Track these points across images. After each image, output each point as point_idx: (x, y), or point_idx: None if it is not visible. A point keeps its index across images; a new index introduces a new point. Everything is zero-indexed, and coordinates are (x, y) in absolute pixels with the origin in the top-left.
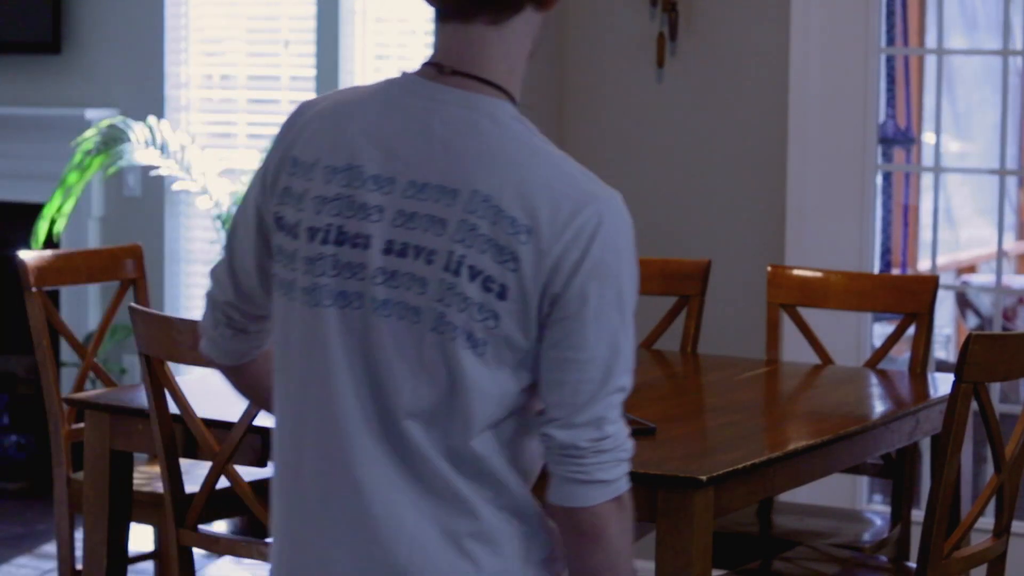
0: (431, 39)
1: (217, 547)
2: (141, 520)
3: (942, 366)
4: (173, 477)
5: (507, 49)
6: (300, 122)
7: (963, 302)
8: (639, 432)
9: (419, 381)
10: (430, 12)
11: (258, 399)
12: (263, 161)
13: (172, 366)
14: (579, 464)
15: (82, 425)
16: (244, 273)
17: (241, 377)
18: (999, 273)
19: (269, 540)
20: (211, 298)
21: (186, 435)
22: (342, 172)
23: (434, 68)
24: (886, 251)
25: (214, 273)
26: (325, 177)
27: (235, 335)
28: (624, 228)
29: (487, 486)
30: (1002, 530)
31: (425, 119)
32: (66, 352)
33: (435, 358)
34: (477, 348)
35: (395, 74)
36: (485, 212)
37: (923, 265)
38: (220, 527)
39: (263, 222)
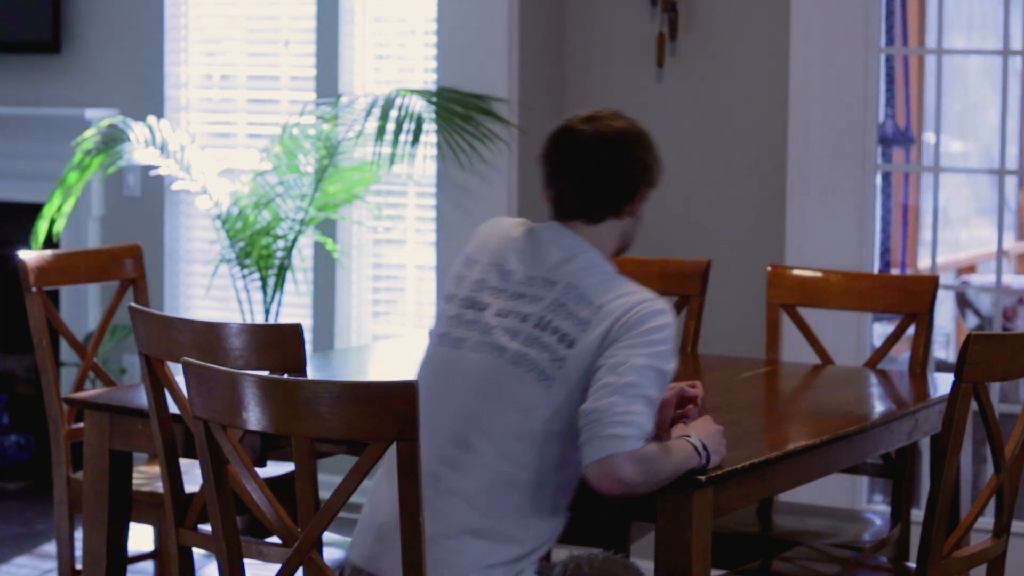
0: (430, 39)
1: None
2: (141, 520)
3: (942, 366)
4: (173, 477)
5: (600, 239)
6: (476, 238)
7: (963, 302)
8: None
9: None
10: (430, 13)
11: None
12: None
13: (172, 366)
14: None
15: (82, 425)
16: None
17: None
18: (999, 273)
19: (269, 540)
20: None
21: (186, 435)
22: (490, 267)
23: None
24: (886, 251)
25: None
26: (481, 269)
27: None
28: (657, 314)
29: None
30: (1002, 530)
31: (548, 242)
32: (66, 352)
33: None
34: (545, 381)
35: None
36: (573, 296)
37: (923, 265)
38: None
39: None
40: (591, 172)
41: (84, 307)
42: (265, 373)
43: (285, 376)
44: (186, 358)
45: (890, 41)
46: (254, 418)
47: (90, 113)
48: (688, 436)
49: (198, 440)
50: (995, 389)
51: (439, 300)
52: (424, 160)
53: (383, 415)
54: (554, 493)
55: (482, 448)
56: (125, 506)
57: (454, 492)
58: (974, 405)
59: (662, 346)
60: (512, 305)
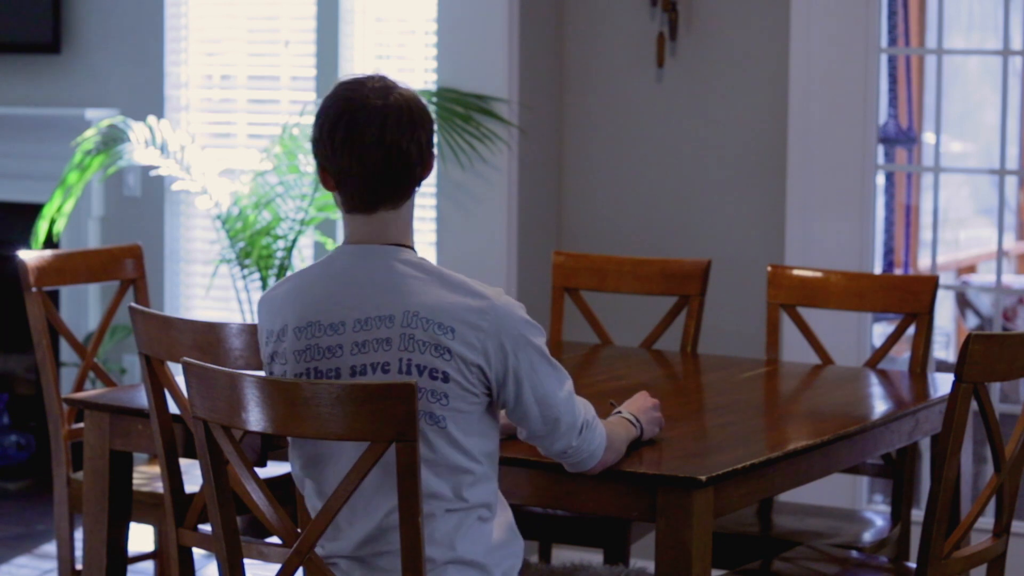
0: (430, 39)
1: None
2: (141, 520)
3: (942, 366)
4: (173, 477)
5: (402, 221)
6: (262, 310)
7: (963, 302)
8: None
9: None
10: (430, 13)
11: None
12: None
13: (172, 366)
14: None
15: (82, 425)
16: None
17: None
18: (999, 273)
19: (269, 540)
20: None
21: (186, 435)
22: (305, 329)
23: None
24: (889, 251)
25: None
26: (295, 335)
27: None
28: (518, 318)
29: None
30: (1002, 530)
31: (353, 273)
32: (66, 352)
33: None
34: (439, 423)
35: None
36: (418, 324)
37: (923, 265)
38: None
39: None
40: (397, 146)
41: (84, 307)
42: (264, 373)
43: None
44: (186, 358)
45: (891, 41)
46: (254, 418)
47: (90, 113)
48: (619, 412)
49: (198, 440)
50: (995, 389)
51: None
52: None
53: (381, 416)
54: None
55: (401, 531)
56: (125, 506)
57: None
58: (974, 405)
59: (539, 337)
60: (362, 359)
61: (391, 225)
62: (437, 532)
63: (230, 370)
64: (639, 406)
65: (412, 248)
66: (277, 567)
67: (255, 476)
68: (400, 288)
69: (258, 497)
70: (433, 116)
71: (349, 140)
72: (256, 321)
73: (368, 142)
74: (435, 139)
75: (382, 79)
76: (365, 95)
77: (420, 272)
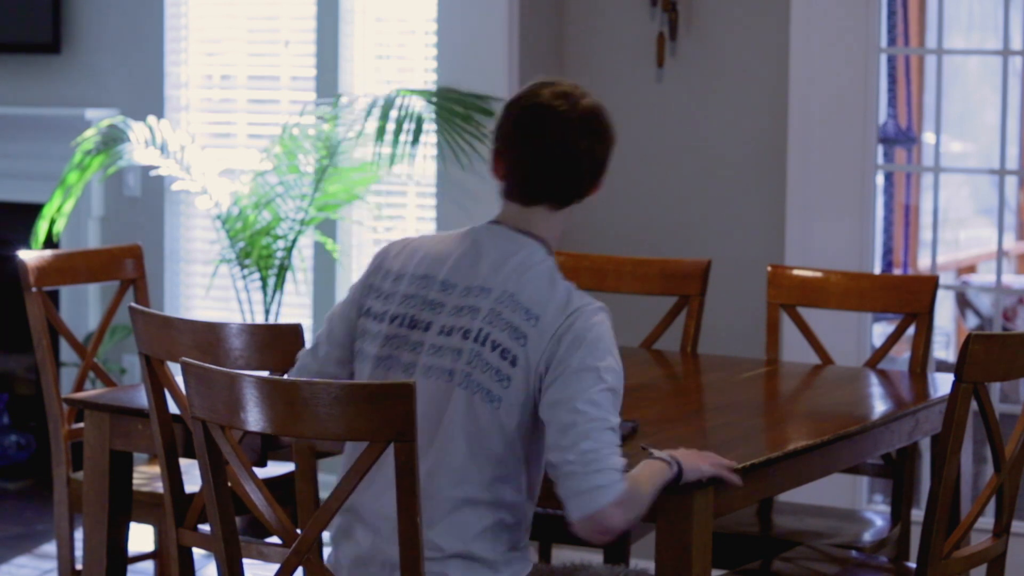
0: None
1: None
2: (141, 520)
3: (942, 366)
4: (173, 477)
5: (553, 224)
6: (392, 250)
7: (963, 302)
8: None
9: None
10: (430, 13)
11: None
12: (364, 272)
13: (172, 366)
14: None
15: (82, 425)
16: (335, 345)
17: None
18: (999, 273)
19: (269, 540)
20: (316, 352)
21: (186, 435)
22: (421, 279)
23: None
24: (888, 251)
25: (317, 339)
26: (409, 281)
27: (328, 364)
28: (596, 325)
29: None
30: (1002, 530)
31: (484, 246)
32: (66, 352)
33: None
34: (493, 402)
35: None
36: (510, 304)
37: (923, 265)
38: None
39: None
40: (568, 153)
41: (84, 307)
42: (265, 373)
43: (284, 376)
44: (185, 358)
45: (891, 41)
46: (252, 419)
47: (90, 113)
48: (650, 454)
49: (196, 440)
50: (995, 389)
51: (347, 311)
52: (424, 160)
53: (380, 416)
54: (514, 507)
55: (438, 478)
56: (125, 506)
57: None
58: (974, 405)
59: (608, 358)
60: (454, 321)
61: (541, 223)
62: (456, 518)
63: (229, 370)
64: (683, 452)
65: (551, 252)
66: (277, 567)
67: (254, 476)
68: (514, 272)
69: (257, 497)
70: (433, 116)
71: (530, 135)
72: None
73: (547, 141)
74: (608, 159)
75: (577, 87)
76: (556, 96)
77: (541, 269)
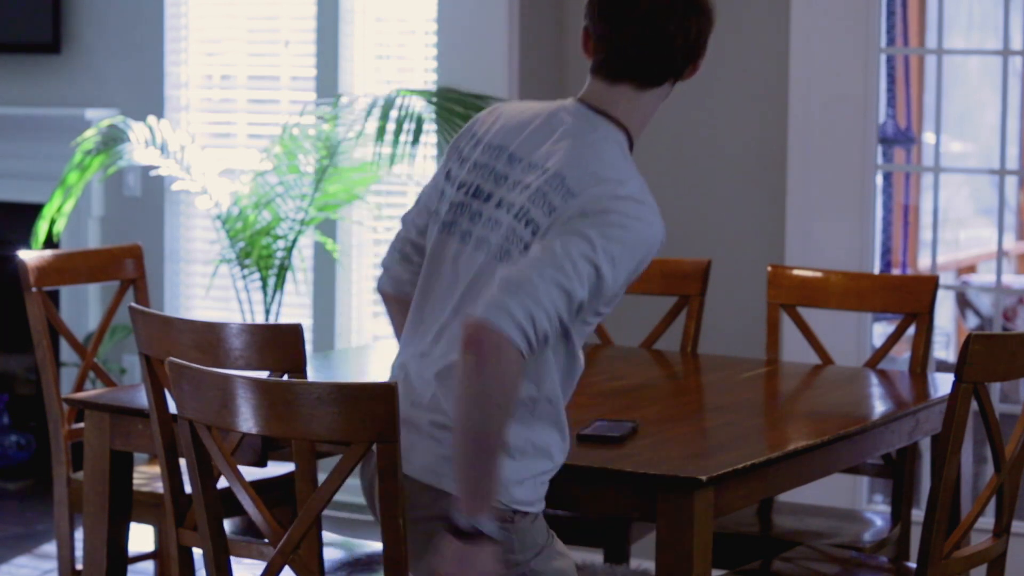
0: (430, 39)
1: None
2: (141, 520)
3: (942, 366)
4: (173, 477)
5: (639, 105)
6: (483, 115)
7: (963, 302)
8: (604, 439)
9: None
10: (430, 13)
11: (399, 327)
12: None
13: None
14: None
15: (82, 425)
16: (421, 211)
17: (396, 306)
18: (999, 273)
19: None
20: (398, 238)
21: None
22: (495, 148)
23: (581, 103)
24: (887, 251)
25: (404, 218)
26: (484, 149)
27: (405, 266)
28: (629, 209)
29: None
30: (1002, 530)
31: (560, 126)
32: (66, 352)
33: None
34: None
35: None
36: (556, 185)
37: (923, 265)
38: None
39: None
40: (657, 27)
41: (84, 307)
42: (265, 373)
43: (285, 377)
44: (172, 359)
45: (890, 41)
46: (239, 419)
47: (90, 113)
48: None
49: (184, 440)
50: (995, 389)
51: (438, 174)
52: (424, 160)
53: (361, 417)
54: (543, 396)
55: None
56: (125, 506)
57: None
58: (974, 405)
59: (615, 247)
60: (510, 196)
61: (624, 103)
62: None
63: (215, 370)
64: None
65: (629, 135)
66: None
67: (239, 477)
68: (575, 154)
69: (243, 497)
70: (433, 116)
71: (617, 8)
72: None
73: (634, 16)
74: (705, 40)
75: None
76: None
77: (605, 155)
